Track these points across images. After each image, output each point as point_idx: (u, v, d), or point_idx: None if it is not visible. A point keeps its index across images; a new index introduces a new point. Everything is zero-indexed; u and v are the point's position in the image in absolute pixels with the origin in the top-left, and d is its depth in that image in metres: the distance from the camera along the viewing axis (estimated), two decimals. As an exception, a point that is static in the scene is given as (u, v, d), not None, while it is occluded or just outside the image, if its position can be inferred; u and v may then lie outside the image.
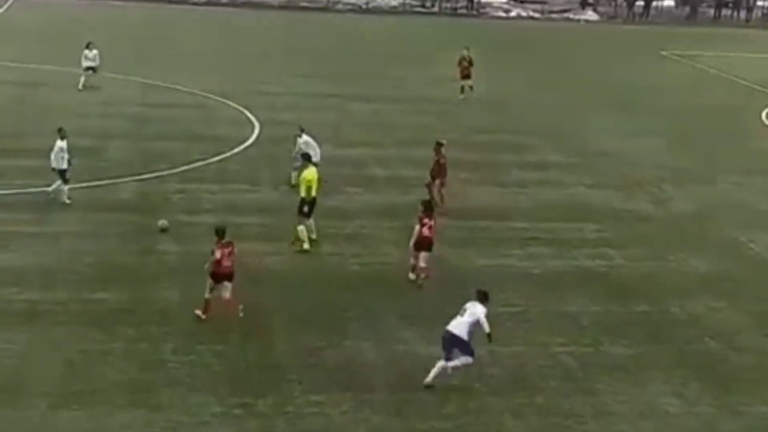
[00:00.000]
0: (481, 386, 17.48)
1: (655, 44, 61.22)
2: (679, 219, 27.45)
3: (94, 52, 39.73)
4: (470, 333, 17.10)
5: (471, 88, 40.91)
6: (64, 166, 25.04)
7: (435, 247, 21.96)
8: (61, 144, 25.09)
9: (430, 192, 26.11)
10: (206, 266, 19.29)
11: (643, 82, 48.52)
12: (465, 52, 41.30)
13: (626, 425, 16.62)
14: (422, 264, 21.69)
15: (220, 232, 19.45)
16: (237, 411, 16.27)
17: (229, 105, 37.83)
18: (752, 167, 33.16)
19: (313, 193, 23.53)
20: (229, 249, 19.40)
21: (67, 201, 25.15)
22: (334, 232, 24.29)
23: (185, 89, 40.19)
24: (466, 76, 40.97)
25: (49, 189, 25.19)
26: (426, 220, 21.79)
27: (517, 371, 18.13)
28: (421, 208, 22.06)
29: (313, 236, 23.67)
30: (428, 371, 17.33)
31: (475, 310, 17.20)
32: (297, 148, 26.98)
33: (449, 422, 16.34)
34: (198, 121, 35.27)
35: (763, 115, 41.72)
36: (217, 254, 19.18)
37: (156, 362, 17.67)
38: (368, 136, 34.10)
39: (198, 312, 19.27)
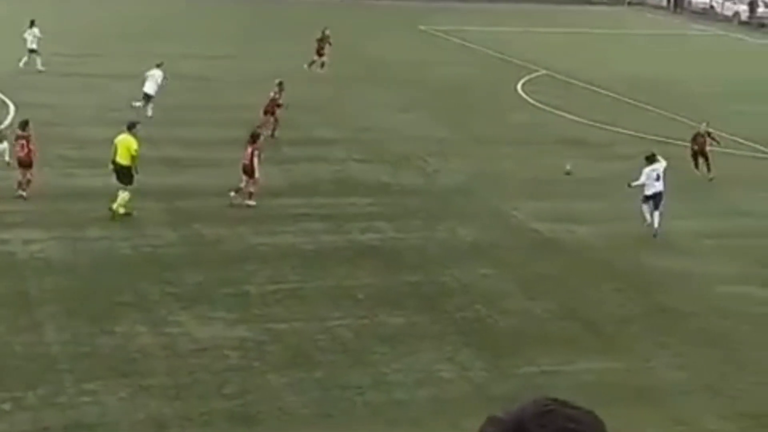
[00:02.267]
0: (261, 364, 17.43)
1: (413, 19, 62.37)
2: (445, 191, 28.12)
3: None
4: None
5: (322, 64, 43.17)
6: None
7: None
8: None
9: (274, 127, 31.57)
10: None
11: (404, 56, 49.30)
12: (327, 32, 44.18)
13: (404, 393, 16.95)
14: (251, 189, 24.97)
15: (21, 125, 24.35)
16: (5, 405, 15.59)
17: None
18: (512, 138, 34.34)
19: (116, 157, 23.89)
20: (23, 141, 23.88)
21: None
22: (101, 216, 23.52)
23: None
24: (318, 52, 43.89)
25: None
26: (250, 148, 25.09)
27: (295, 347, 18.17)
28: (249, 139, 25.43)
29: (120, 210, 23.57)
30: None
31: (660, 171, 24.40)
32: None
33: (230, 402, 16.21)
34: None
35: (519, 86, 43.30)
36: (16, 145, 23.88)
37: None
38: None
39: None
